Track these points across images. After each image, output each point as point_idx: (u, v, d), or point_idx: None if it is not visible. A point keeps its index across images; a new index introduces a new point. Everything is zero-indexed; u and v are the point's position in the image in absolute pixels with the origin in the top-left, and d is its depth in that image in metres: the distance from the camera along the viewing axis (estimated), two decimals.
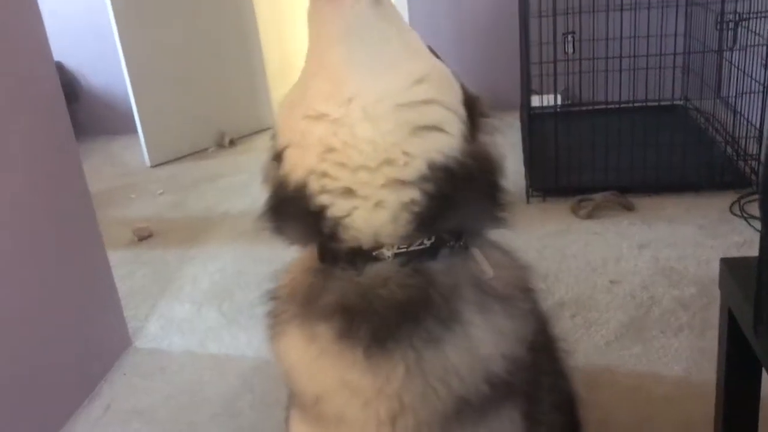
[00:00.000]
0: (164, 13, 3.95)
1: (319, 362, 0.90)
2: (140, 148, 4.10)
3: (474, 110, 0.94)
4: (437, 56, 0.97)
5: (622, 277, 2.31)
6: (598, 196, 2.79)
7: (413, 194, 0.86)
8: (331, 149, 0.86)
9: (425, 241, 0.89)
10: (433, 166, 0.86)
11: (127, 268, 2.75)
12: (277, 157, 0.93)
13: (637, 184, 2.90)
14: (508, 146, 3.43)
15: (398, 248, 0.89)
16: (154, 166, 4.08)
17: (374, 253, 0.89)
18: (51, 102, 1.93)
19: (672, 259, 2.40)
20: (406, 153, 0.86)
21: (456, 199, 0.88)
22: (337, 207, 0.87)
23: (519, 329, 0.92)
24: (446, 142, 0.88)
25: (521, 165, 3.15)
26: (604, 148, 2.89)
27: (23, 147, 1.79)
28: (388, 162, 0.86)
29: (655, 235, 2.58)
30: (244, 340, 2.21)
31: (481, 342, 0.88)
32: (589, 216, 2.75)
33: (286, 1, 5.36)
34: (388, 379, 0.87)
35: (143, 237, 3.05)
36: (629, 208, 2.79)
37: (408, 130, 0.86)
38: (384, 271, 0.89)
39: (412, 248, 0.89)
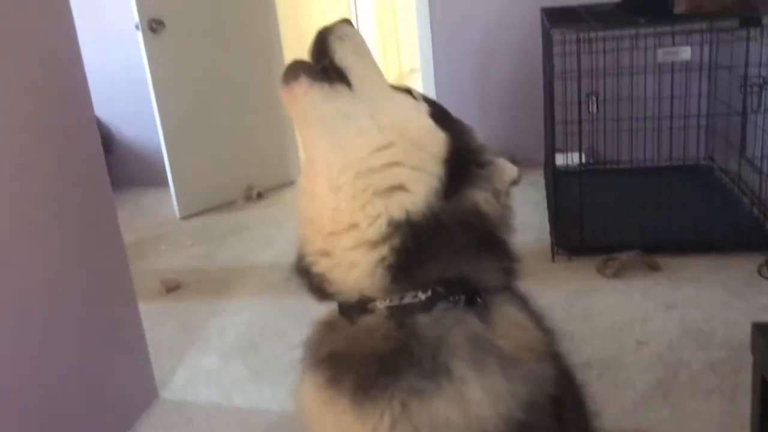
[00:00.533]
0: (198, 69, 4.08)
1: (319, 408, 0.96)
2: (171, 200, 4.19)
3: (464, 165, 0.97)
4: (435, 106, 1.02)
5: (649, 338, 2.30)
6: (623, 256, 2.79)
7: (382, 251, 0.93)
8: (309, 218, 0.98)
9: (420, 294, 0.94)
10: (392, 223, 0.92)
11: (155, 319, 2.78)
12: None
13: (662, 244, 2.90)
14: (532, 203, 3.50)
15: (390, 301, 0.95)
16: (183, 218, 4.15)
17: (369, 306, 0.95)
18: (91, 156, 2.00)
19: (699, 321, 2.38)
20: (369, 216, 0.93)
21: (431, 251, 0.93)
22: (319, 264, 0.97)
23: (520, 392, 0.91)
24: (408, 200, 0.93)
25: (546, 222, 3.17)
26: (629, 208, 2.91)
27: (63, 199, 1.86)
28: (353, 226, 0.94)
29: (681, 295, 2.57)
30: (269, 394, 2.21)
31: (474, 400, 0.89)
32: (615, 275, 2.75)
33: None
34: (375, 428, 0.90)
35: (172, 288, 3.09)
36: (655, 268, 2.78)
37: (369, 194, 0.93)
38: (373, 323, 0.95)
39: (404, 302, 0.94)
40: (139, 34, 3.83)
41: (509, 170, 1.03)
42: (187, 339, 2.63)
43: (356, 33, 1.00)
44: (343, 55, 0.96)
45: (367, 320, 0.96)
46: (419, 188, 0.93)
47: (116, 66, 4.53)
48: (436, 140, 0.97)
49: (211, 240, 3.75)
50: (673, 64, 3.03)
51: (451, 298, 0.94)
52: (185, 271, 3.30)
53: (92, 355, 1.95)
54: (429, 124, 0.99)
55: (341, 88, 0.95)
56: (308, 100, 0.95)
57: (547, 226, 3.13)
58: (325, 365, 0.97)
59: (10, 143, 1.67)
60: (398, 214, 0.92)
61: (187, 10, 4.00)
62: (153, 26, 3.84)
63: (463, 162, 0.97)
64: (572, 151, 3.16)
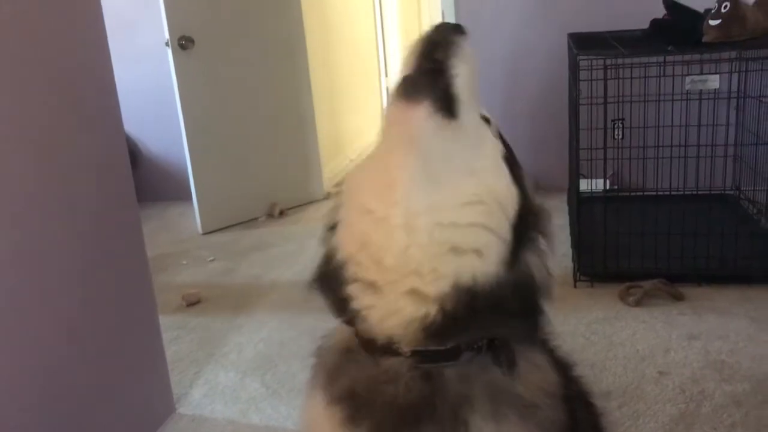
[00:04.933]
0: (225, 86, 4.14)
1: None
2: (194, 215, 4.23)
3: (526, 227, 0.93)
4: (505, 145, 0.96)
5: (671, 369, 2.26)
6: (647, 284, 2.76)
7: (430, 309, 0.87)
8: (369, 243, 0.89)
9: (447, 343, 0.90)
10: (456, 287, 0.87)
11: (174, 333, 2.80)
12: (333, 227, 0.98)
13: (686, 273, 2.85)
14: (555, 229, 3.47)
15: (416, 346, 0.89)
16: (205, 234, 4.19)
17: (393, 347, 0.90)
18: (119, 171, 2.03)
19: (723, 353, 2.33)
20: (435, 270, 0.87)
21: (477, 319, 0.88)
22: (358, 301, 0.91)
23: None
24: (480, 267, 0.87)
25: (569, 248, 3.15)
26: (654, 235, 2.87)
27: (91, 212, 1.88)
28: (416, 273, 0.87)
29: (705, 326, 2.53)
30: (285, 412, 2.21)
31: None
32: (638, 303, 2.71)
33: (342, 79, 5.56)
34: None
35: (192, 303, 3.11)
36: (679, 297, 2.74)
37: (444, 249, 0.87)
38: (396, 367, 0.90)
39: (429, 347, 0.89)
40: (169, 51, 3.89)
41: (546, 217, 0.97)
42: (205, 354, 2.64)
43: (471, 53, 0.91)
44: (460, 83, 0.88)
45: (390, 362, 0.90)
46: (493, 256, 0.88)
47: (144, 82, 4.60)
48: (512, 199, 0.92)
49: (233, 256, 3.77)
50: (701, 92, 3.00)
51: (475, 345, 0.91)
52: (206, 286, 3.31)
53: (111, 367, 1.95)
54: (509, 177, 0.93)
55: (455, 124, 0.87)
56: (421, 129, 0.85)
57: (569, 252, 3.11)
58: (344, 403, 0.92)
59: (41, 155, 1.70)
60: (466, 279, 0.87)
61: (217, 28, 4.07)
62: (183, 43, 3.90)
63: (526, 224, 0.92)
64: (597, 177, 3.14)
